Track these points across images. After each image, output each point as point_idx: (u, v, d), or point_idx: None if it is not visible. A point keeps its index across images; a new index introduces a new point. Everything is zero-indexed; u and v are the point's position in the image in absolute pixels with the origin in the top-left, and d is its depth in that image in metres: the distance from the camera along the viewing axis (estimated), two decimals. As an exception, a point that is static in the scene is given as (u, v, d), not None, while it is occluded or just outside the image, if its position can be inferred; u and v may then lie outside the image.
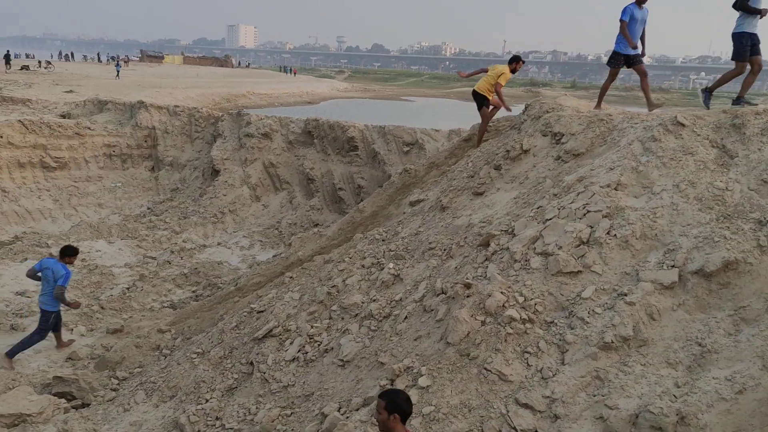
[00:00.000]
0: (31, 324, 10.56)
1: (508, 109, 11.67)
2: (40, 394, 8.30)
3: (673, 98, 67.21)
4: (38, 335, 9.52)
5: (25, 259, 13.57)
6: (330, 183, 19.22)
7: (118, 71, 47.75)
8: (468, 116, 19.28)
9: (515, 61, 11.30)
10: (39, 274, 9.56)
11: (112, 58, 78.80)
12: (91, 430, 7.49)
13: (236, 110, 23.91)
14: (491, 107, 11.61)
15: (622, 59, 9.82)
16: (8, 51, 52.75)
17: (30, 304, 11.46)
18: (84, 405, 8.37)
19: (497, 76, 11.28)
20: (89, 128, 20.66)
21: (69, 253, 9.75)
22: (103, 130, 21.05)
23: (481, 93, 11.46)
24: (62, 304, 9.58)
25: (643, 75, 10.03)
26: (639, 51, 9.77)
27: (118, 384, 8.79)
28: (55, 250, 13.97)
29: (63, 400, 8.23)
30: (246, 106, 42.13)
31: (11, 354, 9.25)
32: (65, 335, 10.29)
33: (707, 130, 7.31)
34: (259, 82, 60.02)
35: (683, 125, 7.40)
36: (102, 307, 11.63)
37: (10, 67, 45.36)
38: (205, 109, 24.02)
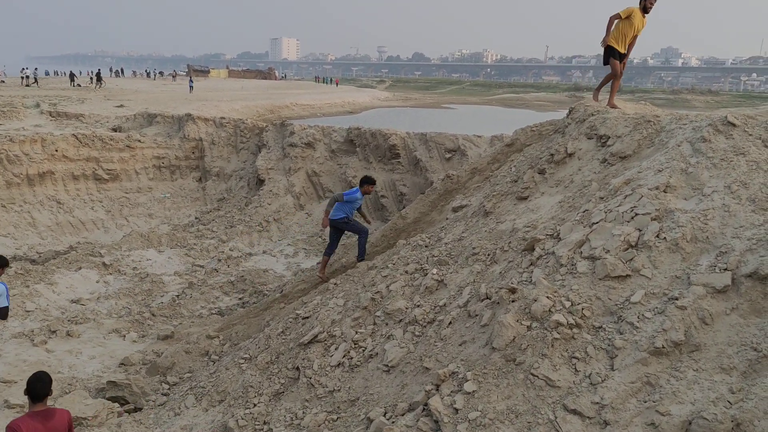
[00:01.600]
0: (86, 330, 10.93)
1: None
2: (95, 398, 8.57)
3: (724, 101, 65.35)
4: None
5: (80, 268, 14.04)
6: (372, 190, 19.33)
7: (191, 86, 51.43)
8: (510, 122, 19.16)
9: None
10: None
11: (160, 73, 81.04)
12: (144, 433, 7.69)
13: (280, 121, 24.30)
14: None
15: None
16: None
17: (84, 311, 11.85)
18: (136, 409, 8.60)
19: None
20: (139, 141, 21.32)
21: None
22: (152, 142, 21.69)
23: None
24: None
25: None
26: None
27: (169, 389, 9.01)
28: (108, 259, 14.44)
29: (116, 405, 8.48)
30: (289, 117, 42.77)
31: None
32: (117, 341, 10.61)
33: (759, 130, 7.09)
34: (301, 94, 60.88)
35: (734, 125, 7.20)
36: (153, 314, 11.94)
37: (74, 84, 47.63)
38: (249, 120, 24.50)
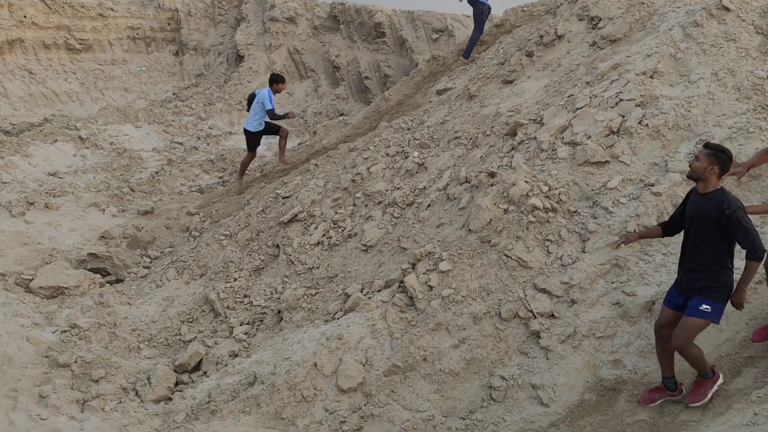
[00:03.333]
0: (65, 203, 10.89)
1: None
2: (76, 269, 8.68)
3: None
4: None
5: (56, 141, 13.75)
6: (356, 71, 18.80)
7: None
8: (501, 2, 18.38)
9: None
10: None
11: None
12: (126, 304, 7.89)
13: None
14: None
15: None
16: None
17: (62, 184, 11.75)
18: (118, 281, 8.76)
19: None
20: (112, 9, 20.21)
21: None
22: (125, 11, 20.58)
23: None
24: None
25: None
26: None
27: (150, 262, 9.14)
28: (84, 133, 14.15)
29: (98, 276, 8.62)
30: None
31: None
32: (97, 215, 10.64)
33: (753, 15, 6.88)
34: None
35: (728, 9, 6.97)
36: (132, 190, 11.88)
37: None
38: (228, -9, 23.24)
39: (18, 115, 16.59)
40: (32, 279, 8.15)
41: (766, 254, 4.07)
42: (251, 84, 18.79)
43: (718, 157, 4.11)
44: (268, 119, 10.66)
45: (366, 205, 7.92)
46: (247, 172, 11.64)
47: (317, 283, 7.21)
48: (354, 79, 18.80)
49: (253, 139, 10.92)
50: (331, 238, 7.71)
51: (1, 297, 7.71)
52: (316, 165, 9.63)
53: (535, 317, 5.34)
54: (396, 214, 7.41)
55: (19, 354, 6.68)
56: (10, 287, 7.99)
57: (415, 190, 7.63)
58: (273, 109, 10.41)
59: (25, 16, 18.15)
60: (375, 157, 8.72)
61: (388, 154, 8.65)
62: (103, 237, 9.95)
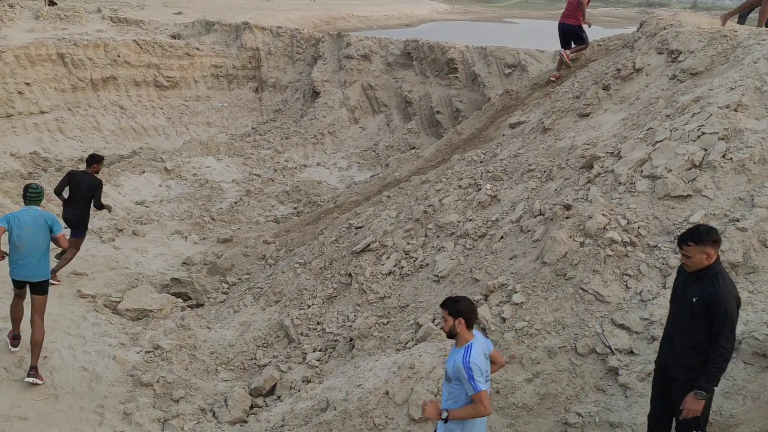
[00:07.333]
0: (150, 231, 11.47)
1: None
2: (160, 293, 9.10)
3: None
4: None
5: (143, 172, 14.57)
6: (428, 106, 19.06)
7: None
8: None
9: None
10: None
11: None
12: (205, 327, 8.19)
13: (336, 32, 23.93)
14: None
15: None
16: None
17: (148, 212, 12.40)
18: (198, 305, 9.12)
19: None
20: (198, 49, 21.41)
21: None
22: (210, 50, 21.76)
23: None
24: None
25: None
26: None
27: (228, 288, 9.48)
28: (170, 165, 14.92)
29: (180, 300, 9.00)
30: (345, 28, 41.94)
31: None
32: (180, 242, 11.14)
33: None
34: (358, 5, 59.33)
35: (819, 42, 6.73)
36: (213, 219, 12.41)
37: None
38: (306, 30, 24.19)
39: (109, 147, 17.70)
40: (119, 301, 8.59)
41: None
42: (326, 119, 19.36)
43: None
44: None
45: (438, 236, 7.98)
46: (319, 203, 11.91)
47: (389, 312, 7.28)
48: (426, 113, 19.06)
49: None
50: (402, 268, 7.79)
51: (90, 318, 8.17)
52: (388, 197, 9.78)
53: (613, 353, 5.20)
54: (468, 246, 7.43)
55: (106, 372, 7.04)
56: (99, 309, 8.45)
57: (487, 222, 7.64)
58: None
59: (118, 56, 19.49)
60: (447, 189, 8.79)
61: (460, 186, 8.71)
62: (185, 263, 10.41)
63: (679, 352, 4.10)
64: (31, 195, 6.78)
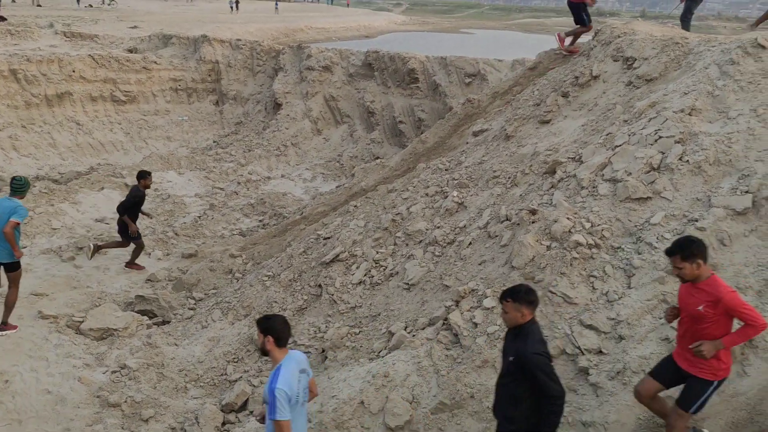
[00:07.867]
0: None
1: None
2: (124, 311, 8.91)
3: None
4: None
5: (102, 188, 14.27)
6: (390, 116, 19.18)
7: (231, 6, 52.86)
8: (530, 47, 18.68)
9: None
10: None
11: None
12: (173, 344, 8.05)
13: (296, 44, 23.91)
14: None
15: None
16: None
17: (109, 229, 12.14)
18: (164, 322, 8.96)
19: None
20: (155, 62, 21.11)
21: None
22: (168, 64, 21.47)
23: None
24: None
25: None
26: None
27: (195, 304, 9.33)
28: (129, 180, 14.65)
29: (145, 317, 8.83)
30: (304, 40, 41.93)
31: None
32: (143, 258, 10.93)
33: (792, 52, 6.93)
34: (315, 17, 59.41)
35: (764, 47, 7.04)
36: (176, 234, 12.21)
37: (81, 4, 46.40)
38: (266, 42, 24.11)
39: (66, 164, 17.26)
40: (83, 321, 8.39)
41: None
42: (288, 130, 19.30)
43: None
44: None
45: (407, 244, 8.03)
46: (285, 215, 11.83)
47: (360, 321, 7.29)
48: (388, 123, 19.17)
49: None
50: (373, 277, 7.81)
51: (53, 339, 7.95)
52: (355, 206, 9.80)
53: (583, 354, 5.31)
54: (437, 253, 7.50)
55: (71, 394, 6.86)
56: (61, 329, 8.24)
57: (455, 228, 7.72)
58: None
59: (73, 71, 19.07)
60: (414, 198, 8.87)
61: (427, 194, 8.79)
62: (149, 280, 10.22)
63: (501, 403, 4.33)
64: (15, 186, 7.77)
